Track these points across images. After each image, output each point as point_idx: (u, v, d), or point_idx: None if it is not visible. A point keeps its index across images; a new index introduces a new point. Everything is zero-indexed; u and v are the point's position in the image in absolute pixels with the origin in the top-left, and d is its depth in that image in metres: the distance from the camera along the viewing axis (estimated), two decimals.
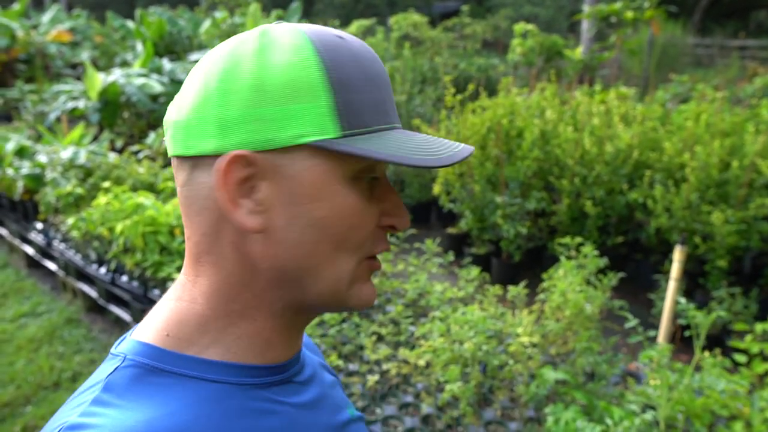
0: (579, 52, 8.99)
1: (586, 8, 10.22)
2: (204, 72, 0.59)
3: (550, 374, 2.14)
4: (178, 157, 0.60)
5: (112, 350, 0.61)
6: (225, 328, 0.61)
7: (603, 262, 2.73)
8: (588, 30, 10.60)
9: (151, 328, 0.61)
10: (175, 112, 0.60)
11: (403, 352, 2.60)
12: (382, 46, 8.18)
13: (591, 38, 10.59)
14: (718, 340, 3.35)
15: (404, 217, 0.65)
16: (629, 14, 8.04)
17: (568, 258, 2.85)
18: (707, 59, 15.95)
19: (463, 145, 0.62)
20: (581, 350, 2.30)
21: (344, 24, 11.04)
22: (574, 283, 2.47)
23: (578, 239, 3.00)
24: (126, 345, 0.60)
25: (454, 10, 17.15)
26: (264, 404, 0.62)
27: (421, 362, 2.42)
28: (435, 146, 0.61)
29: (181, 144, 0.59)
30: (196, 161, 0.58)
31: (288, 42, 0.58)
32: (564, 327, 2.46)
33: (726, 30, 17.78)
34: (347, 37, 0.61)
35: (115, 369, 0.57)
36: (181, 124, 0.59)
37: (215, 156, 0.57)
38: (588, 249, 2.77)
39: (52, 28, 12.94)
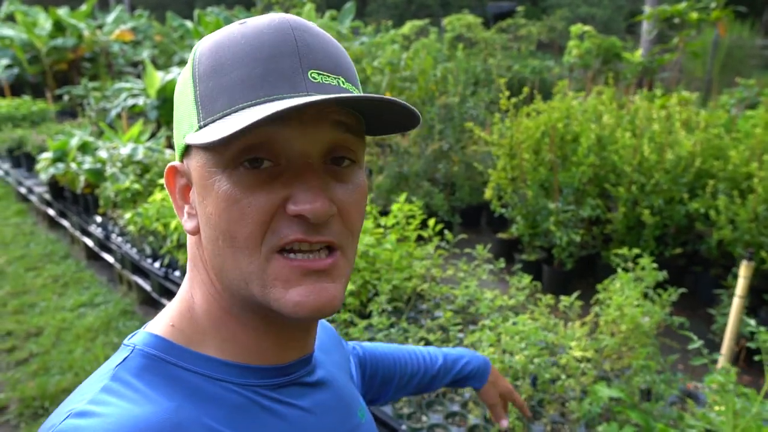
0: (638, 55, 8.68)
1: (647, 9, 9.87)
2: None
3: (605, 391, 2.06)
4: None
5: (125, 341, 0.63)
6: (213, 328, 0.62)
7: (662, 275, 2.61)
8: (648, 32, 10.24)
9: (161, 322, 0.63)
10: None
11: None
12: (434, 47, 8.11)
13: (651, 40, 10.22)
14: None
15: (309, 203, 0.54)
16: (694, 15, 7.70)
17: (625, 270, 2.75)
18: None
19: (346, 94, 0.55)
20: (638, 368, 2.21)
21: (397, 24, 11.02)
22: (631, 297, 2.38)
23: (636, 250, 2.88)
24: (138, 336, 0.62)
25: (509, 11, 16.90)
26: (269, 404, 0.62)
27: None
28: (286, 103, 0.50)
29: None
30: None
31: None
32: (619, 342, 2.36)
33: None
34: (251, 20, 0.58)
35: (125, 359, 0.59)
36: None
37: None
38: (646, 261, 2.66)
39: (116, 28, 13.44)
